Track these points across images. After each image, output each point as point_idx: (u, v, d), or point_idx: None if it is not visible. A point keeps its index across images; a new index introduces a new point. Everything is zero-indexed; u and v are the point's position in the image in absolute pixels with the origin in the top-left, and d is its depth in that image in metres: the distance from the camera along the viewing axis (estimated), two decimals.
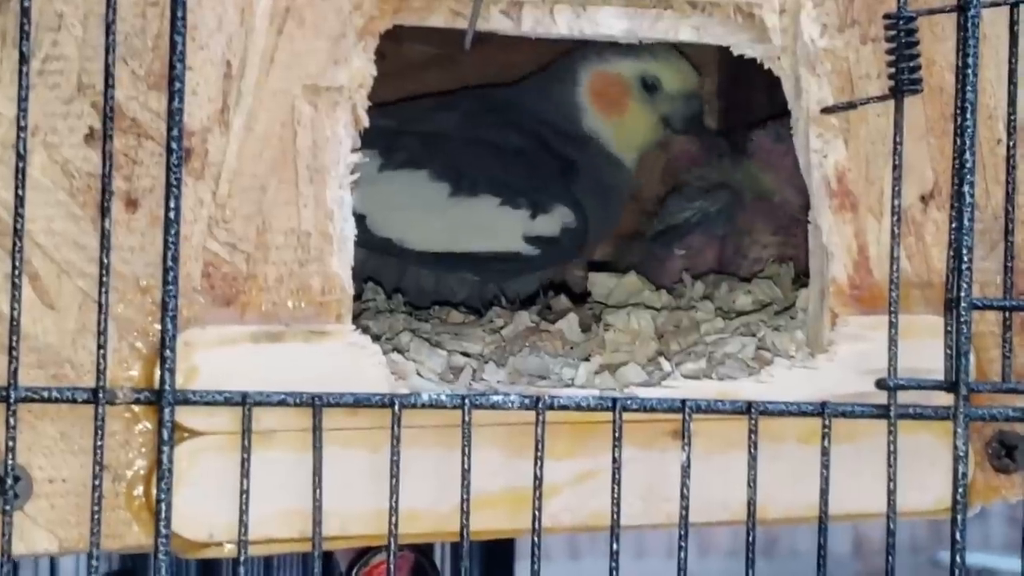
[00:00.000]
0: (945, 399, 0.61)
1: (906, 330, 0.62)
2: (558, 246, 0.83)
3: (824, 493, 0.61)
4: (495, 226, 0.82)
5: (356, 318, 0.62)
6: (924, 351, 0.63)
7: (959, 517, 0.60)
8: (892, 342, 0.61)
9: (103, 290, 0.55)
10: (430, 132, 0.83)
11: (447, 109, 0.86)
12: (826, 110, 0.65)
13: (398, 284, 0.83)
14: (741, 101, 0.94)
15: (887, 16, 0.62)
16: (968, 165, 0.59)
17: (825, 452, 0.61)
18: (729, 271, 0.86)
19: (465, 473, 0.58)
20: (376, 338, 0.62)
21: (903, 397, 0.61)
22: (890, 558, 0.61)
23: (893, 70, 0.61)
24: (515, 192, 0.82)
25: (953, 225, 0.60)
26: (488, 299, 0.84)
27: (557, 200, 0.83)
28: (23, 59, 0.54)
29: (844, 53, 0.65)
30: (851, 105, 0.64)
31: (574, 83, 0.86)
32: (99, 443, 0.55)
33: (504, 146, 0.84)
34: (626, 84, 0.86)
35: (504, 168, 0.83)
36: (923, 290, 0.66)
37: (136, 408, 0.58)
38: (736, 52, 0.66)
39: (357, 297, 0.74)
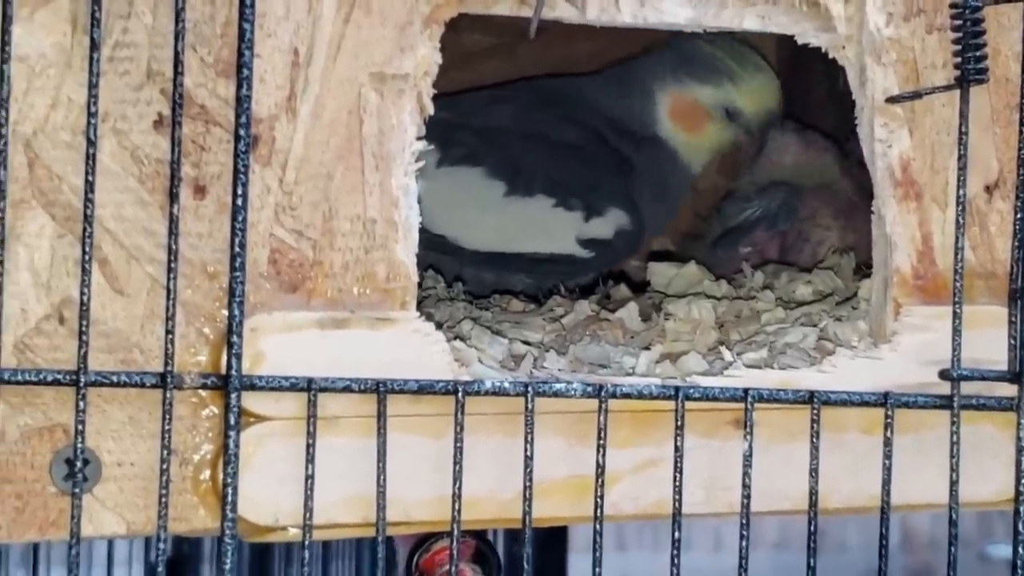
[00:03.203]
0: (1008, 390, 0.61)
1: (970, 320, 0.61)
2: (611, 249, 0.83)
3: (886, 483, 0.60)
4: (549, 228, 0.82)
5: (418, 306, 0.62)
6: (988, 342, 0.62)
7: (1021, 508, 0.60)
8: (956, 332, 0.61)
9: (171, 276, 0.55)
10: (487, 126, 0.83)
11: (505, 101, 0.86)
12: (891, 99, 0.65)
13: (458, 274, 0.83)
14: (800, 89, 0.94)
15: (953, 5, 0.62)
16: None
17: (888, 442, 0.60)
18: (791, 258, 0.86)
19: (528, 460, 0.58)
20: (438, 326, 0.63)
21: (966, 388, 0.61)
22: (953, 549, 0.61)
23: (959, 60, 0.61)
24: (569, 193, 0.81)
25: (1018, 215, 0.60)
26: (548, 288, 0.84)
27: (612, 202, 0.82)
28: (93, 46, 0.55)
29: (910, 42, 0.65)
30: (916, 95, 0.64)
31: (652, 101, 0.85)
32: (167, 427, 0.55)
33: (561, 142, 0.83)
34: (708, 112, 0.85)
35: (560, 166, 0.82)
36: (987, 280, 0.66)
37: (203, 393, 0.58)
38: (801, 41, 0.66)
39: (417, 285, 0.74)
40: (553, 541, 1.21)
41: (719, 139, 0.85)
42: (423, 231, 0.62)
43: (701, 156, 0.86)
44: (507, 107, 0.85)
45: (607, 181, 0.83)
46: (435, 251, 0.80)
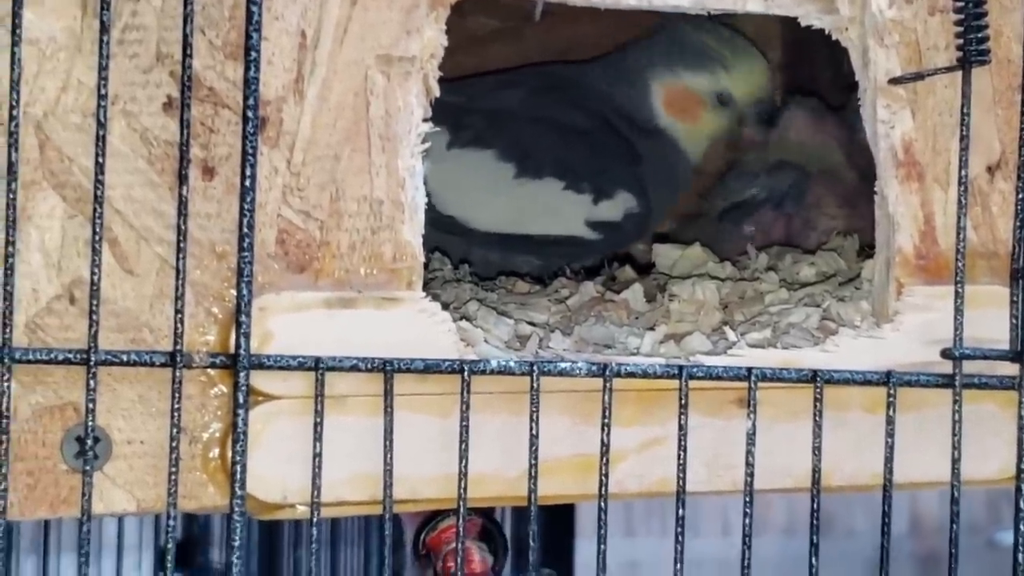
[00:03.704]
0: (1010, 369, 0.62)
1: (971, 300, 0.62)
2: (620, 231, 0.83)
3: (889, 461, 0.61)
4: (558, 210, 0.82)
5: (424, 287, 0.63)
6: (989, 321, 0.63)
7: (1023, 486, 0.61)
8: (958, 312, 0.61)
9: (180, 256, 0.56)
10: (496, 109, 0.84)
11: (513, 86, 0.86)
12: (894, 81, 0.65)
13: (465, 256, 0.84)
14: (805, 74, 0.95)
15: None
16: None
17: (890, 421, 0.61)
18: (796, 243, 0.86)
19: (533, 439, 0.58)
20: (444, 307, 0.63)
21: (968, 367, 0.62)
22: (954, 526, 0.61)
23: (961, 41, 0.62)
24: (579, 176, 0.82)
25: (1019, 195, 0.61)
26: (553, 270, 0.84)
27: (621, 185, 0.83)
28: (103, 29, 0.55)
29: (912, 24, 0.65)
30: (919, 76, 0.64)
31: (647, 92, 0.85)
32: (176, 406, 0.56)
33: (570, 126, 0.84)
34: (700, 99, 0.85)
35: (569, 150, 0.83)
36: (989, 260, 0.66)
37: (212, 372, 0.59)
38: (804, 23, 0.66)
39: (424, 267, 0.75)
40: (560, 526, 1.22)
41: (715, 126, 0.86)
42: (432, 212, 0.62)
43: (699, 144, 0.87)
44: (515, 92, 0.85)
45: (615, 165, 0.83)
46: (444, 232, 0.81)
